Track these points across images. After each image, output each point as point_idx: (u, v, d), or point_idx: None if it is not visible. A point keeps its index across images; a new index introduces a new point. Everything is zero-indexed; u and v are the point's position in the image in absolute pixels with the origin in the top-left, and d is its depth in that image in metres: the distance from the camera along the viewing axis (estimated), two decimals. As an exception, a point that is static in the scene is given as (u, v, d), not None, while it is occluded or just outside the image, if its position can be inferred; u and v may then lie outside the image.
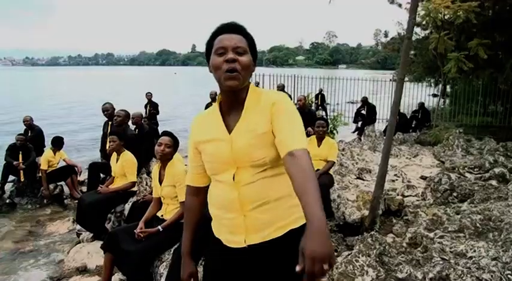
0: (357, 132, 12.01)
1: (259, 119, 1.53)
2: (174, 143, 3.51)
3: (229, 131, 1.56)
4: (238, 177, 1.54)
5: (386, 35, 22.78)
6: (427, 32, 13.98)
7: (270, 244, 1.55)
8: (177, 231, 3.29)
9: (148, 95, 11.57)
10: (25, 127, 7.68)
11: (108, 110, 6.26)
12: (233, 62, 1.49)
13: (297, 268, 1.14)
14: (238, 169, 1.54)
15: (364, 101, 12.18)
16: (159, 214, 3.57)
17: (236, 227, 1.57)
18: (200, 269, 3.09)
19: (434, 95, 18.29)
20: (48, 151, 6.78)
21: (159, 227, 3.34)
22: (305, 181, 1.29)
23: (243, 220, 1.55)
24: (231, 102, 1.59)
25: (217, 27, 1.58)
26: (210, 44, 1.58)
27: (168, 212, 3.50)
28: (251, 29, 1.60)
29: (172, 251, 3.24)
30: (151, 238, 3.30)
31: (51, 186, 6.73)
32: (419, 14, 10.82)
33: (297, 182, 1.30)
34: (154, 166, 3.71)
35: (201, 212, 1.80)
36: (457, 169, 6.27)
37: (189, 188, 1.79)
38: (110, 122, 6.19)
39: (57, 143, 6.80)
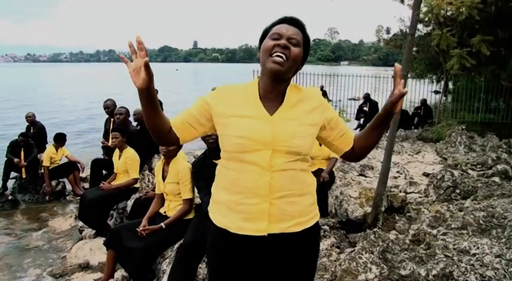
0: (359, 129, 12.00)
1: (305, 109, 1.58)
2: None
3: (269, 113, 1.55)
4: (272, 161, 1.50)
5: (388, 32, 22.66)
6: (429, 28, 13.93)
7: (286, 237, 1.55)
8: (180, 228, 3.31)
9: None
10: (27, 123, 7.69)
11: (109, 107, 6.26)
12: (284, 48, 1.49)
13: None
14: (273, 151, 1.50)
15: (367, 97, 12.15)
16: (161, 210, 3.57)
17: (258, 213, 1.52)
18: (203, 265, 3.10)
19: (436, 92, 18.27)
20: (50, 147, 6.78)
21: (162, 224, 3.34)
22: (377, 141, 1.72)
23: (268, 207, 1.51)
24: (270, 89, 1.57)
25: (279, 17, 1.60)
26: (266, 31, 1.59)
27: (171, 208, 3.50)
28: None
29: (175, 248, 3.24)
30: (154, 234, 3.30)
31: (53, 182, 6.74)
32: (421, 11, 10.77)
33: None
34: (158, 162, 3.70)
35: (166, 122, 1.57)
36: (459, 165, 6.25)
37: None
38: (111, 119, 6.19)
39: (59, 139, 6.79)
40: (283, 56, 1.48)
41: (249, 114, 1.53)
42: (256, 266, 1.59)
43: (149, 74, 1.38)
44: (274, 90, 1.57)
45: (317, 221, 1.67)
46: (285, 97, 1.57)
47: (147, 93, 1.44)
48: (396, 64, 1.49)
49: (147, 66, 1.37)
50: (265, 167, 1.50)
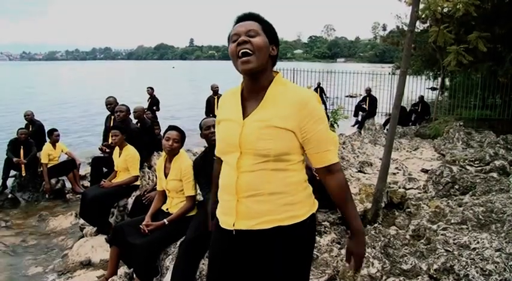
0: (356, 125, 12.02)
1: (279, 112, 1.54)
2: (182, 138, 3.51)
3: (245, 115, 1.60)
4: (240, 162, 1.58)
5: (384, 29, 22.81)
6: (426, 25, 13.95)
7: (255, 235, 1.59)
8: (182, 225, 3.32)
9: (149, 90, 11.07)
10: (26, 122, 7.67)
11: (111, 104, 6.23)
12: (244, 43, 1.53)
13: (347, 264, 1.56)
14: (241, 154, 1.57)
15: (368, 91, 12.15)
16: (164, 207, 3.58)
17: (229, 209, 1.63)
18: (206, 261, 3.12)
19: (433, 89, 18.30)
20: (47, 145, 6.79)
21: (165, 220, 3.35)
22: (344, 196, 1.63)
23: (236, 204, 1.60)
24: (251, 87, 1.62)
25: (234, 20, 1.64)
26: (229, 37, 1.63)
27: (173, 205, 3.51)
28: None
29: (178, 245, 3.26)
30: (157, 231, 3.31)
31: (53, 181, 6.75)
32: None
33: (337, 197, 1.63)
34: (159, 159, 3.71)
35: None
36: (457, 161, 6.29)
37: (217, 158, 1.87)
38: (112, 116, 6.19)
39: (50, 134, 6.79)
40: (248, 51, 1.52)
41: (229, 118, 1.65)
42: (236, 257, 1.68)
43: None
44: (255, 87, 1.62)
45: (303, 221, 1.61)
46: (265, 97, 1.59)
47: None
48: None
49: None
50: (233, 168, 1.60)
